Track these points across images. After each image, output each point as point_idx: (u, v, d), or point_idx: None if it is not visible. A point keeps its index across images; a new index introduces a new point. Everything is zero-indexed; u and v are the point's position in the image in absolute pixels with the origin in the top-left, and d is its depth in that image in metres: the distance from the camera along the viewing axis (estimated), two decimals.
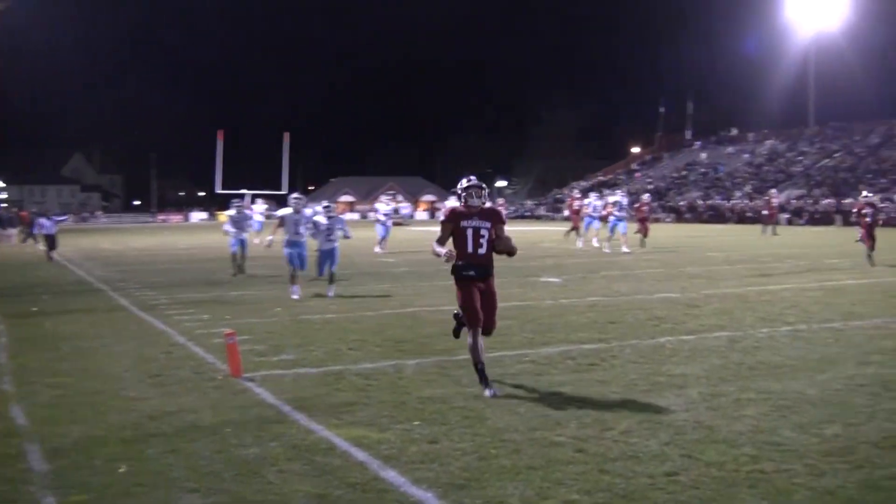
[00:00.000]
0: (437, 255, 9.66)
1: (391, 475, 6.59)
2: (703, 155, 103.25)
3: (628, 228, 33.58)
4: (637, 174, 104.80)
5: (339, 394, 9.39)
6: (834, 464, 6.71)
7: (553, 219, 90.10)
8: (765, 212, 51.19)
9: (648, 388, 9.38)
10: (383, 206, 36.72)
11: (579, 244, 36.43)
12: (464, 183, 10.01)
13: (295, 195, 19.96)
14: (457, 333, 10.73)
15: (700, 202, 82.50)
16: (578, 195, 45.74)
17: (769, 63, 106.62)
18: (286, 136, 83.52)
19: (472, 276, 9.66)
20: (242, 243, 24.10)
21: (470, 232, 9.74)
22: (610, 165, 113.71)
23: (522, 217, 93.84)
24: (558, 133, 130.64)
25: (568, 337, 12.85)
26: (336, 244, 19.04)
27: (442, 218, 10.23)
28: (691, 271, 24.12)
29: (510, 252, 9.98)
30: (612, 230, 33.50)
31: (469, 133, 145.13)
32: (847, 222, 65.95)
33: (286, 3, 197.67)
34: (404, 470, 6.69)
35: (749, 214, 73.61)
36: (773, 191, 61.97)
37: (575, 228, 39.56)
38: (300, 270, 18.96)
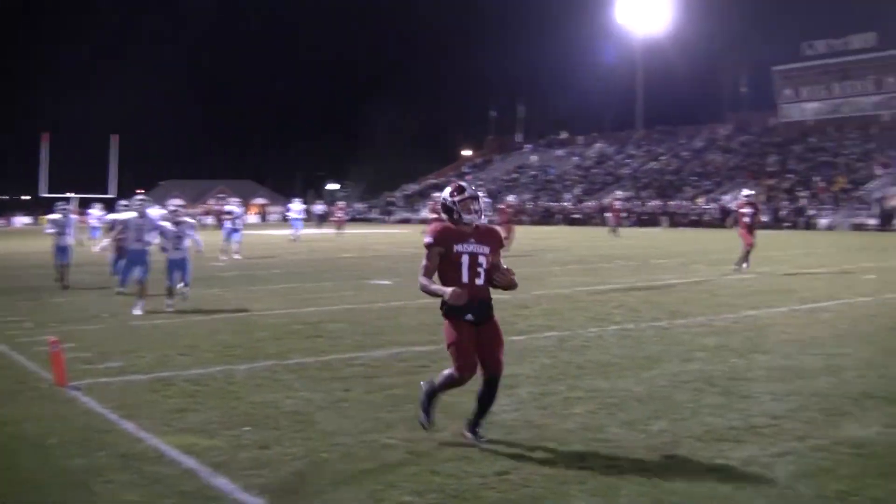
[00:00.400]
0: (437, 295, 7.48)
1: (221, 482, 6.50)
2: (534, 158, 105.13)
3: None
4: (468, 176, 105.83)
5: (168, 401, 9.21)
6: (659, 458, 6.89)
7: (385, 221, 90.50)
8: (608, 214, 52.36)
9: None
10: (235, 208, 35.60)
11: None
12: (454, 192, 7.69)
13: (140, 196, 17.90)
14: (427, 409, 7.73)
15: (531, 204, 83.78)
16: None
17: (599, 67, 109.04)
18: (114, 139, 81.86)
19: (472, 320, 7.48)
20: (66, 251, 22.08)
21: (466, 259, 7.52)
22: (441, 168, 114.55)
23: (354, 220, 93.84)
24: (390, 135, 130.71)
25: (399, 339, 12.88)
26: (186, 254, 17.16)
27: (428, 239, 7.59)
28: (521, 272, 24.36)
29: (510, 288, 7.77)
30: None
31: (301, 135, 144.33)
32: (673, 223, 67.96)
33: (108, 1, 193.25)
34: (235, 476, 6.61)
35: (578, 216, 75.08)
36: (619, 192, 63.59)
37: None
38: (143, 277, 16.71)
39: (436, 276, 7.61)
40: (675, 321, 14.45)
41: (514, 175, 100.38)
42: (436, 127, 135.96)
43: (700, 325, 14.06)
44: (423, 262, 7.59)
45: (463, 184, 7.79)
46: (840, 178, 70.87)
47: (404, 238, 46.72)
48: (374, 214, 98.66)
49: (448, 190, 7.76)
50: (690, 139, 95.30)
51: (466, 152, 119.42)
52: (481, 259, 7.56)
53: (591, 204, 77.23)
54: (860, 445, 7.25)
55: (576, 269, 25.79)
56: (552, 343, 12.44)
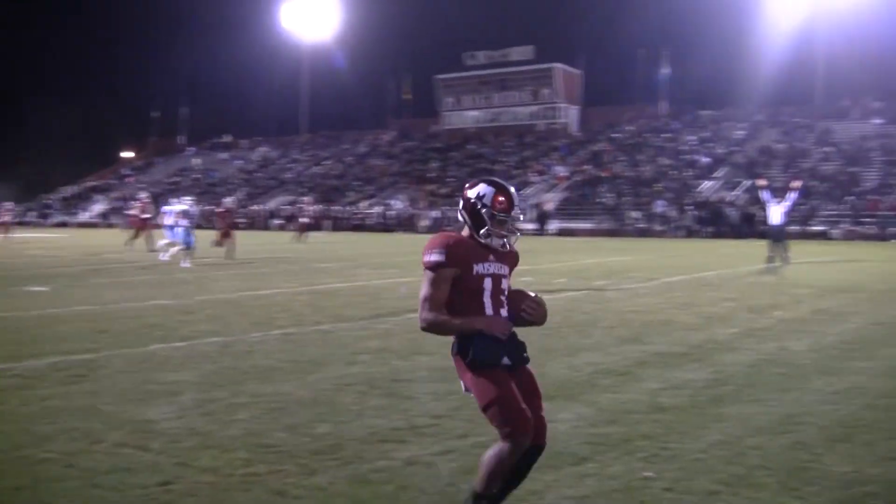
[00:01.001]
0: (462, 331, 5.40)
1: None
2: (197, 161, 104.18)
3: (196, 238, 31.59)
4: (129, 179, 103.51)
5: None
6: (324, 461, 6.95)
7: (42, 225, 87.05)
8: (303, 219, 52.76)
9: (141, 398, 9.24)
10: None
11: (161, 251, 33.62)
12: (499, 199, 5.45)
13: None
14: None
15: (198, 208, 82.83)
16: (147, 199, 42.56)
17: (265, 71, 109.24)
18: None
19: (509, 365, 5.48)
20: None
21: (489, 284, 5.45)
22: (100, 170, 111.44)
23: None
24: (45, 135, 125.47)
25: (56, 348, 12.34)
26: None
27: (435, 257, 5.34)
28: (182, 277, 24.07)
29: (541, 322, 5.67)
30: (186, 241, 30.27)
31: None
32: (336, 227, 68.87)
33: None
34: None
35: (241, 220, 74.65)
36: (306, 198, 64.20)
37: (137, 236, 38.05)
38: None
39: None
40: (339, 325, 14.61)
41: (177, 178, 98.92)
42: (95, 127, 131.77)
43: (363, 328, 14.27)
44: (426, 290, 5.40)
45: (512, 190, 5.54)
46: None
47: (62, 242, 44.89)
48: (29, 217, 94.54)
49: (489, 191, 5.49)
50: (354, 144, 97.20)
51: (127, 154, 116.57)
52: (504, 283, 5.55)
53: (295, 210, 77.26)
54: None
55: (238, 273, 25.63)
56: (215, 349, 12.30)
